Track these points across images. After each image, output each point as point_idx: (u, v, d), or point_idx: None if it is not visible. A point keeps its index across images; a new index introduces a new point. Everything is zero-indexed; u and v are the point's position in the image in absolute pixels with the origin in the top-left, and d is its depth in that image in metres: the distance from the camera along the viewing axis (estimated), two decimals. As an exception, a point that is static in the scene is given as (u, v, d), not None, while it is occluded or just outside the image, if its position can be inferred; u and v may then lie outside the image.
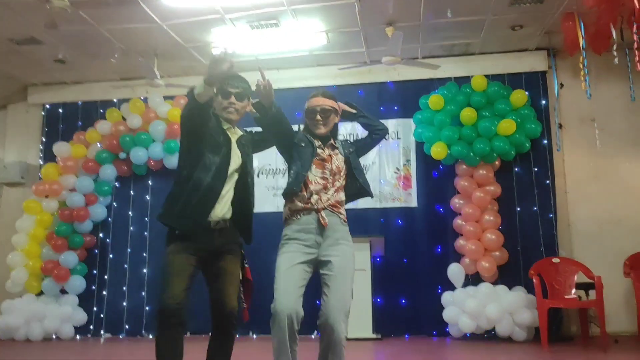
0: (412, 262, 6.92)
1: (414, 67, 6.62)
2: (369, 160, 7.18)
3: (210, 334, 3.08)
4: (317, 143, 3.08)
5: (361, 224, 6.97)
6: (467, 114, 6.55)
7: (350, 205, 7.47)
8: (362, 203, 7.05)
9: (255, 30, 6.29)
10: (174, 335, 2.78)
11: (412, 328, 6.75)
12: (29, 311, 6.72)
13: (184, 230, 2.81)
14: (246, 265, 3.17)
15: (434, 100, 6.72)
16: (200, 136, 2.86)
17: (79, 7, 5.12)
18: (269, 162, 7.43)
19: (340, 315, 2.84)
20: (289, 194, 2.98)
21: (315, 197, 2.96)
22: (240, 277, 3.08)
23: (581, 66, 5.83)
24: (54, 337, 6.92)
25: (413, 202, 7.05)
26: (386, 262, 6.85)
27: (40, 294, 7.02)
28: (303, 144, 3.03)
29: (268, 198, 7.34)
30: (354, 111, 3.27)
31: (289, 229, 2.99)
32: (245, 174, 3.05)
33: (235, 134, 3.11)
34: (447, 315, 6.34)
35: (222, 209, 2.92)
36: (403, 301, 6.82)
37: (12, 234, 7.16)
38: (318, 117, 3.07)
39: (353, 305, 6.68)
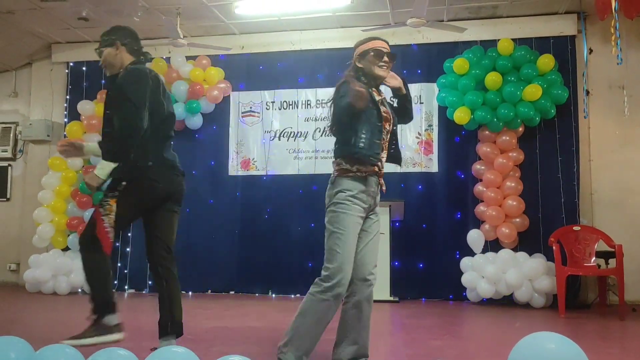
0: (431, 227, 6.94)
1: (439, 29, 6.49)
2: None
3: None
4: (377, 97, 2.90)
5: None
6: (492, 79, 6.44)
7: (372, 169, 7.46)
8: (384, 167, 7.08)
9: (279, -10, 6.20)
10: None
11: (429, 292, 6.82)
12: (55, 265, 6.92)
13: None
14: None
15: (459, 64, 6.61)
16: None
17: (103, -37, 5.09)
18: (290, 125, 7.43)
19: (374, 270, 2.90)
20: (362, 159, 2.79)
21: (381, 162, 2.90)
22: None
23: (612, 30, 5.64)
24: (79, 291, 7.13)
25: (434, 168, 7.02)
26: (405, 227, 6.89)
27: (66, 249, 7.21)
28: (370, 104, 2.80)
29: (289, 160, 7.37)
30: (404, 92, 3.07)
31: (353, 185, 2.79)
32: None
33: None
34: (465, 280, 6.38)
35: None
36: (421, 265, 6.88)
37: (38, 190, 7.32)
38: (386, 58, 2.94)
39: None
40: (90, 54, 7.77)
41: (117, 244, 7.49)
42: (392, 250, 6.46)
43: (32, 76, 8.22)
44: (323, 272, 2.74)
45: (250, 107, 7.59)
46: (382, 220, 6.35)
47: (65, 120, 7.85)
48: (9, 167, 8.15)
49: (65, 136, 7.59)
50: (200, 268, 7.34)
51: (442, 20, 6.92)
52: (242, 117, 7.59)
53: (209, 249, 7.36)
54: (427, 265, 6.87)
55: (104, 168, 3.08)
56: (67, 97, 7.94)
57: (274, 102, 7.53)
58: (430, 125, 7.10)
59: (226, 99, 7.55)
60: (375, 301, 6.08)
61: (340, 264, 2.70)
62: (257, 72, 7.58)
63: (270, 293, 7.17)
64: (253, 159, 7.50)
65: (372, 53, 2.92)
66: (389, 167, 7.55)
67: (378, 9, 6.71)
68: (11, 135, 8.11)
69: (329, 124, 2.97)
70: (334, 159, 2.93)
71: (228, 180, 7.51)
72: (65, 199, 7.23)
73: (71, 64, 7.98)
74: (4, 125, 8.15)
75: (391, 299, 6.35)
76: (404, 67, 7.21)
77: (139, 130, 3.06)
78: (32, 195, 7.54)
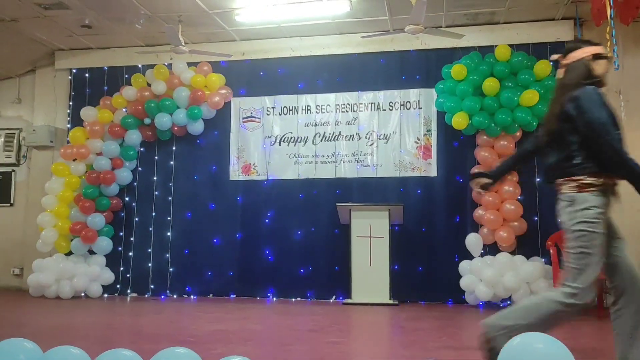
0: (430, 230, 7.02)
1: (437, 36, 6.58)
2: (389, 129, 7.23)
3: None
4: None
5: (380, 193, 7.08)
6: (490, 84, 6.52)
7: (371, 174, 7.59)
8: (382, 172, 7.17)
9: (279, -3, 6.30)
10: None
11: (428, 295, 6.89)
12: (58, 270, 6.99)
13: None
14: None
15: (457, 69, 6.69)
16: None
17: (106, -28, 5.19)
18: (290, 130, 7.51)
19: None
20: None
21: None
22: None
23: (608, 37, 5.72)
24: (82, 295, 7.21)
25: (433, 172, 7.10)
26: (404, 231, 6.97)
27: (69, 253, 7.29)
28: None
29: (290, 165, 7.46)
30: None
31: (601, 201, 2.70)
32: None
33: None
34: (464, 283, 6.45)
35: None
36: (420, 269, 6.95)
37: (41, 195, 7.41)
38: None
39: (371, 271, 6.85)
40: (93, 60, 7.99)
41: (120, 249, 7.58)
42: (391, 254, 6.55)
43: (36, 83, 8.32)
44: (570, 290, 2.65)
45: (251, 113, 7.68)
46: (382, 224, 6.52)
47: (68, 126, 7.95)
48: (13, 173, 8.24)
49: (68, 142, 7.68)
50: (202, 272, 7.43)
51: (441, 27, 7.01)
52: (243, 122, 7.68)
53: (211, 253, 7.45)
54: (426, 268, 6.95)
55: None
56: (70, 103, 8.04)
57: (274, 107, 7.62)
58: (429, 130, 7.19)
59: (227, 105, 7.64)
60: (374, 304, 6.25)
61: (591, 284, 2.65)
62: (257, 78, 7.67)
63: (270, 296, 7.25)
64: (254, 163, 7.59)
65: (602, 59, 2.83)
66: (388, 171, 7.63)
67: (377, 15, 6.81)
68: (15, 141, 8.21)
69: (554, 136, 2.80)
70: (566, 176, 2.76)
71: (229, 185, 7.60)
72: (69, 204, 7.32)
73: (74, 70, 8.08)
74: (7, 132, 8.25)
75: (390, 302, 6.42)
76: (402, 73, 7.33)
77: None
78: (35, 200, 7.63)
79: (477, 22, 7.04)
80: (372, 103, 7.37)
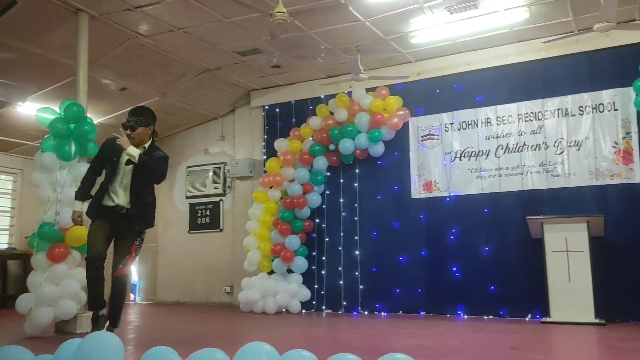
0: (636, 242, 6.37)
1: (631, 30, 6.05)
2: (581, 135, 6.78)
3: None
4: None
5: (575, 203, 6.64)
6: (702, 75, 5.79)
7: (563, 184, 7.18)
8: (575, 181, 6.73)
9: (455, 14, 6.35)
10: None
11: (639, 313, 6.22)
12: (263, 287, 7.74)
13: None
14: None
15: (658, 63, 6.06)
16: None
17: (295, 16, 5.74)
18: (471, 145, 7.43)
19: None
20: None
21: None
22: None
23: None
24: (283, 310, 7.87)
25: (637, 178, 6.46)
26: (607, 243, 6.42)
27: (270, 272, 8.03)
28: None
29: (472, 180, 7.37)
30: None
31: None
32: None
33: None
34: (685, 300, 5.72)
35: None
36: (628, 285, 6.32)
37: (245, 220, 8.31)
38: None
39: (570, 288, 6.42)
40: (282, 96, 8.81)
41: (314, 267, 8.13)
42: (593, 269, 6.08)
43: (235, 121, 9.42)
44: None
45: (429, 131, 7.77)
46: (580, 237, 6.08)
47: (264, 157, 8.83)
48: (221, 202, 9.37)
49: (265, 171, 8.52)
50: (390, 289, 7.62)
51: (634, 20, 6.43)
52: (422, 140, 7.79)
53: (398, 271, 7.62)
54: (634, 284, 6.29)
55: None
56: (265, 136, 8.94)
57: (452, 123, 7.62)
58: (628, 133, 6.58)
59: (405, 125, 7.84)
60: (577, 323, 5.82)
61: None
62: (434, 96, 7.76)
63: (461, 314, 7.16)
64: (435, 180, 7.64)
65: None
66: (584, 180, 7.16)
67: (559, 17, 6.48)
68: (221, 174, 9.36)
69: None
70: None
71: (412, 203, 7.74)
72: (268, 227, 8.09)
73: (266, 107, 8.99)
74: (215, 166, 9.45)
75: (596, 321, 5.94)
76: (592, 74, 6.84)
77: None
78: (240, 225, 8.58)
79: (679, 8, 6.31)
80: (558, 109, 6.98)
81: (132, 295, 10.46)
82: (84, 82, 6.04)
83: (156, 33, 6.73)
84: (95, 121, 6.54)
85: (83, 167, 5.63)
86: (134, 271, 10.65)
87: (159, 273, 9.86)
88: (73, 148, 5.47)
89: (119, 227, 4.47)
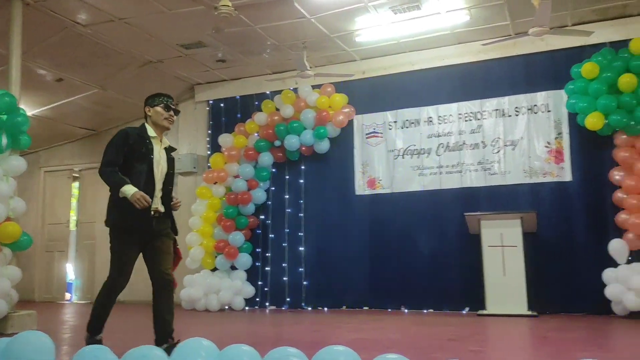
0: (567, 238, 6.71)
1: (563, 35, 6.35)
2: (516, 135, 7.06)
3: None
4: None
5: (512, 200, 6.91)
6: (626, 80, 6.15)
7: (500, 182, 7.44)
8: (511, 179, 7.01)
9: (398, 15, 6.47)
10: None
11: (569, 306, 6.56)
12: (206, 285, 7.64)
13: None
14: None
15: (588, 68, 6.39)
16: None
17: (240, 10, 5.69)
18: (413, 143, 7.60)
19: None
20: None
21: None
22: None
23: None
24: (226, 307, 7.79)
25: (567, 176, 6.80)
26: (539, 239, 6.73)
27: (214, 269, 7.93)
28: None
29: (414, 177, 7.54)
30: None
31: None
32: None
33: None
34: (609, 292, 6.07)
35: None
36: (558, 278, 6.65)
37: (188, 217, 8.16)
38: None
39: (505, 282, 6.68)
40: (227, 91, 8.70)
41: (258, 264, 8.09)
42: (527, 263, 6.35)
43: (179, 116, 9.18)
44: None
45: (374, 129, 7.89)
46: (514, 233, 6.35)
47: (209, 152, 8.70)
48: (163, 198, 9.14)
49: (209, 167, 8.41)
50: (334, 285, 7.70)
51: (567, 26, 6.76)
52: (367, 138, 7.90)
53: (341, 267, 7.70)
54: (565, 278, 6.63)
55: None
56: (209, 131, 8.81)
57: (396, 121, 7.76)
58: (559, 133, 6.91)
59: (350, 123, 7.92)
60: (511, 315, 6.07)
61: None
62: (378, 94, 7.88)
63: (402, 308, 7.32)
64: (379, 178, 7.77)
65: None
66: (517, 179, 7.43)
67: (497, 21, 6.73)
68: (163, 169, 9.12)
69: None
70: None
71: (356, 199, 7.84)
72: (212, 223, 7.98)
73: (211, 101, 8.86)
74: (157, 161, 9.19)
75: (529, 313, 6.22)
76: (527, 77, 7.14)
77: None
78: (183, 221, 8.39)
79: (607, 16, 6.68)
80: (496, 110, 7.25)
81: (68, 295, 10.08)
82: (17, 71, 5.77)
83: (95, 22, 6.51)
84: (29, 113, 6.28)
85: (15, 161, 5.39)
86: (70, 269, 10.27)
87: (97, 271, 9.52)
88: (4, 140, 5.21)
89: (148, 233, 3.67)
